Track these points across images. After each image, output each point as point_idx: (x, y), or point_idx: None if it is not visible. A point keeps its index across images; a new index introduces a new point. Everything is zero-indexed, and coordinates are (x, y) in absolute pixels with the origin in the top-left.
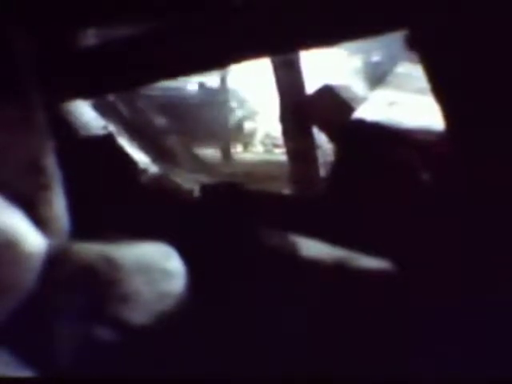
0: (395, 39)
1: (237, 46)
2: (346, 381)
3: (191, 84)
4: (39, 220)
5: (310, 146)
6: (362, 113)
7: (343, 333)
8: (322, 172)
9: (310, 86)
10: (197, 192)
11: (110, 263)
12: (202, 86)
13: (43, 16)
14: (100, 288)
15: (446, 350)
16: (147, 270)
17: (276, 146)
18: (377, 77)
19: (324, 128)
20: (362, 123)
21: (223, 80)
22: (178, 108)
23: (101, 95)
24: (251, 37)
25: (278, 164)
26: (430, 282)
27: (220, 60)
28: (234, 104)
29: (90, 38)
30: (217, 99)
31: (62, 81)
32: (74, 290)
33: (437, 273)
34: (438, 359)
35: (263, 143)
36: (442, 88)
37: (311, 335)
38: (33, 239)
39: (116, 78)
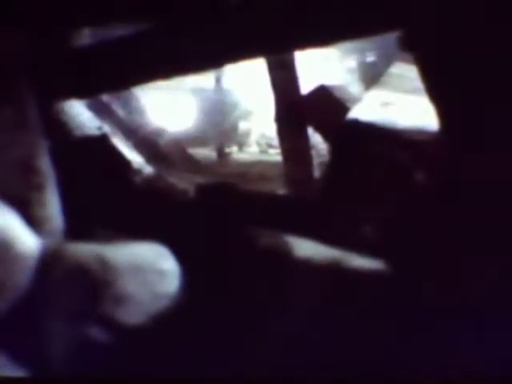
0: (390, 40)
1: (232, 46)
2: (342, 380)
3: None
4: (33, 220)
5: (305, 146)
6: (357, 113)
7: (338, 333)
8: (317, 172)
9: (305, 87)
10: (191, 192)
11: (104, 263)
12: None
13: (38, 16)
14: (94, 288)
15: (441, 350)
16: (141, 270)
17: (271, 146)
18: (371, 77)
19: (319, 128)
20: (356, 123)
21: (218, 80)
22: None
23: (96, 95)
24: (246, 37)
25: (272, 164)
26: (426, 283)
27: (215, 60)
28: (229, 104)
29: (86, 37)
30: (212, 99)
31: (56, 80)
32: (68, 290)
33: (433, 273)
34: (433, 359)
35: (258, 143)
36: (436, 88)
37: (306, 335)
38: (27, 239)
39: (111, 78)
